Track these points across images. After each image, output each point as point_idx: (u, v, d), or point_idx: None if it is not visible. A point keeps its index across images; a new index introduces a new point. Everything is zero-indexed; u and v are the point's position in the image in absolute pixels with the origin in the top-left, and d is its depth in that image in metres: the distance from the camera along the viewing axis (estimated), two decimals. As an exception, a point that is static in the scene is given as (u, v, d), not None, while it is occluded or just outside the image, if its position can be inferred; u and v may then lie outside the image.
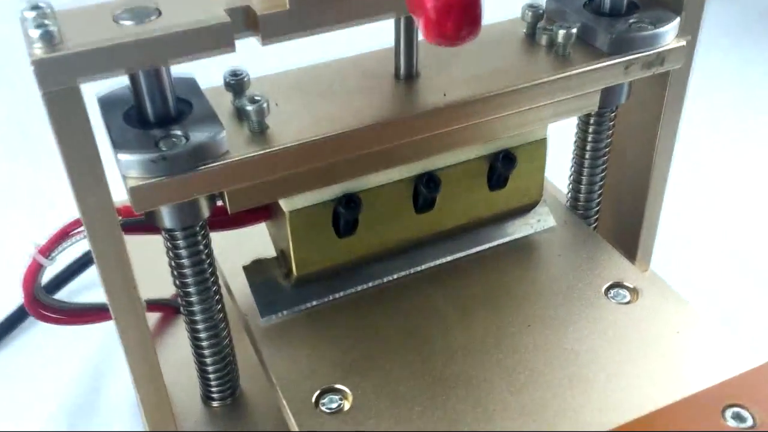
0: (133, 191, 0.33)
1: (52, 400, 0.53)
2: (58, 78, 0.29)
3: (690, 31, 0.42)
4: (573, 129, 0.49)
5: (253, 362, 0.42)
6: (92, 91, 0.34)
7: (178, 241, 0.38)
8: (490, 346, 0.40)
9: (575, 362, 0.39)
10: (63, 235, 0.40)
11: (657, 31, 0.41)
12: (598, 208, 0.50)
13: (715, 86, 0.85)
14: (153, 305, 0.51)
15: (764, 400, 0.36)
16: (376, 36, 0.43)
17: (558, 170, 0.53)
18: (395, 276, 0.44)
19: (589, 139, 0.47)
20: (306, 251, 0.42)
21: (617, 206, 0.51)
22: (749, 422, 0.35)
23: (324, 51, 0.44)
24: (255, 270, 0.44)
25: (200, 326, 0.41)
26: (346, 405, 0.37)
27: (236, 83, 0.38)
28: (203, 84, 0.38)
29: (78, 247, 0.42)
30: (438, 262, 0.45)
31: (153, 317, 0.52)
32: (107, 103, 0.36)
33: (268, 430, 0.43)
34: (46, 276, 0.45)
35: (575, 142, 0.48)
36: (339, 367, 0.39)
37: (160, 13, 0.32)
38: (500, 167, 0.44)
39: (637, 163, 0.49)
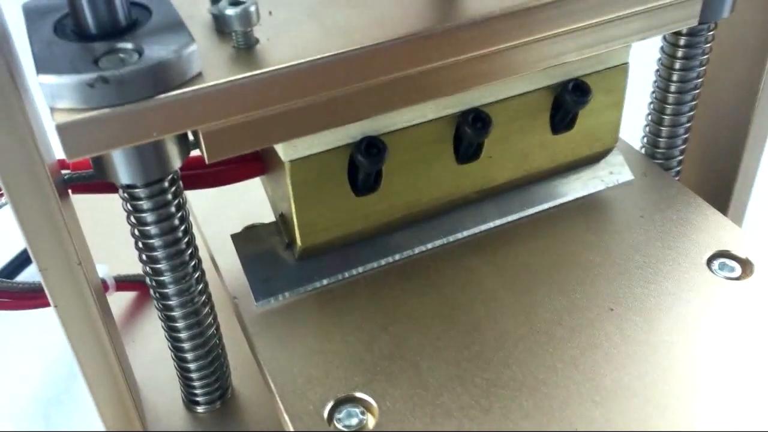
0: (61, 129, 0.28)
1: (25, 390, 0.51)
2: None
3: None
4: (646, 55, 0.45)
5: (248, 356, 0.38)
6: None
7: (141, 202, 0.33)
8: (560, 337, 0.35)
9: (680, 360, 0.34)
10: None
11: None
12: (681, 157, 0.46)
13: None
14: (124, 282, 0.48)
15: None
16: None
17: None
18: (429, 246, 0.41)
19: (677, 66, 0.42)
20: (313, 214, 0.38)
21: (705, 155, 0.49)
22: None
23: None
24: (247, 239, 0.41)
25: (176, 313, 0.37)
26: (371, 421, 0.33)
27: (214, -18, 0.33)
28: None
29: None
30: (484, 227, 0.42)
31: (125, 297, 0.49)
32: (35, 12, 0.32)
33: (267, 441, 0.40)
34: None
35: (657, 71, 0.44)
36: (359, 368, 0.35)
37: None
38: (569, 101, 0.39)
39: (735, 99, 0.46)
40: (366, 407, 0.33)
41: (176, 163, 0.32)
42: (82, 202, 0.37)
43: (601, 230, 0.41)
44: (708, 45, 0.42)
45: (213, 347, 0.39)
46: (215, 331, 0.39)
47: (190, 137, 0.33)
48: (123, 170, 0.31)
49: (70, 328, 0.34)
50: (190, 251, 0.35)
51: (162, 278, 0.35)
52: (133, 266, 0.45)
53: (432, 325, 0.36)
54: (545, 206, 0.43)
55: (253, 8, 0.30)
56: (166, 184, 0.33)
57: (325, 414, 0.33)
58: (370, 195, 0.39)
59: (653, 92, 0.44)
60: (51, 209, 0.30)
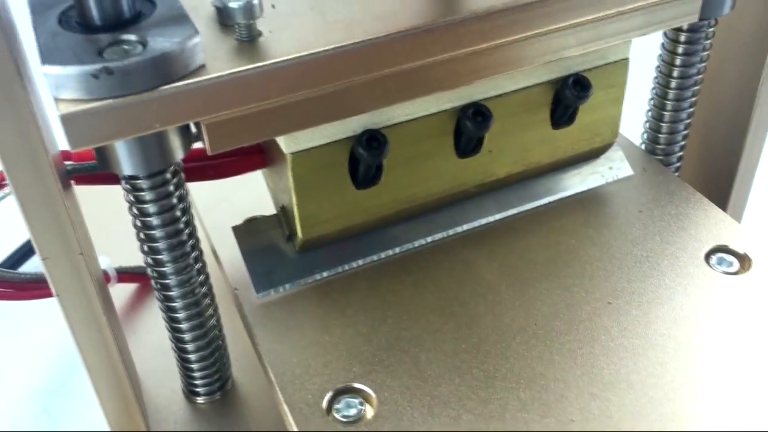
0: (66, 120, 0.28)
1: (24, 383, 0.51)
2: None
3: None
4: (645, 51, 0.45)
5: (248, 346, 0.38)
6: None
7: (143, 194, 0.33)
8: (558, 330, 0.35)
9: (677, 353, 0.34)
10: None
11: None
12: (681, 153, 0.45)
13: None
14: (126, 274, 0.48)
15: None
16: None
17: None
18: (429, 239, 0.41)
19: (678, 62, 0.42)
20: (314, 207, 0.38)
21: (705, 151, 0.48)
22: None
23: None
24: (248, 231, 0.41)
25: (177, 304, 0.37)
26: (369, 411, 0.33)
27: (217, -25, 0.33)
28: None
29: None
30: (484, 221, 0.42)
31: (126, 289, 0.49)
32: (40, 3, 0.31)
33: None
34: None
35: (657, 67, 0.43)
36: (358, 359, 0.35)
37: None
38: (569, 96, 0.39)
39: (735, 95, 0.45)
40: (364, 398, 0.33)
41: (179, 154, 0.32)
42: (85, 196, 0.37)
43: (601, 225, 0.40)
44: (708, 41, 0.41)
45: (213, 338, 0.39)
46: (216, 322, 0.39)
47: (193, 129, 0.32)
48: (125, 161, 0.31)
49: (71, 317, 0.33)
50: (191, 242, 0.35)
51: (163, 269, 0.35)
52: (135, 258, 0.45)
53: (431, 317, 0.36)
54: (545, 201, 0.42)
55: (256, 1, 0.30)
56: (168, 175, 0.33)
57: (324, 404, 0.33)
58: (370, 188, 0.38)
59: (653, 88, 0.44)
60: (54, 199, 0.30)
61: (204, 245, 0.37)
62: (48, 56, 0.27)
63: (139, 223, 0.34)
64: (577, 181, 0.43)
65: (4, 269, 0.40)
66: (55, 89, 0.27)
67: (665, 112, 0.44)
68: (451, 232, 0.41)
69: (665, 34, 0.42)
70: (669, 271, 0.37)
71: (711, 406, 0.31)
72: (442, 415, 0.32)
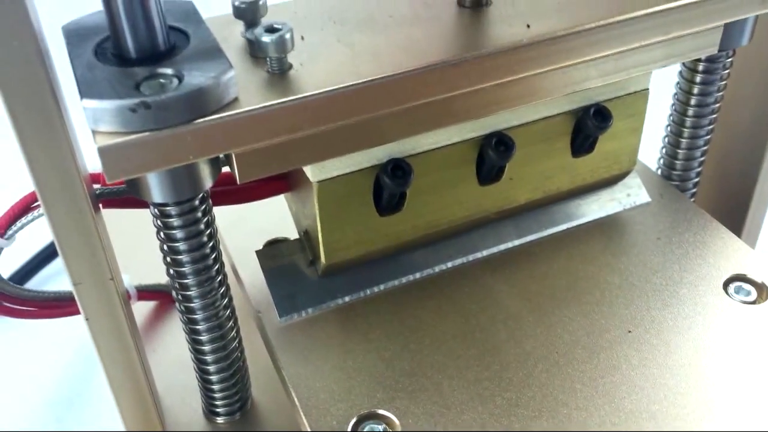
0: (103, 152, 0.28)
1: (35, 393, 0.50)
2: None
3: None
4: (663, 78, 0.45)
5: (269, 366, 0.38)
6: (58, 23, 0.31)
7: (171, 220, 0.33)
8: (579, 359, 0.35)
9: (697, 384, 0.34)
10: (22, 209, 0.36)
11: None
12: (697, 179, 0.45)
13: None
14: (146, 292, 0.47)
15: None
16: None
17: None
18: (449, 264, 0.41)
19: (695, 91, 0.42)
20: (338, 232, 0.38)
21: (720, 178, 0.48)
22: None
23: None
24: (271, 255, 0.40)
25: (201, 326, 0.36)
26: None
27: (248, 7, 0.33)
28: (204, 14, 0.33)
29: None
30: (504, 246, 0.42)
31: (146, 307, 0.49)
32: (75, 35, 0.31)
33: (287, 452, 0.39)
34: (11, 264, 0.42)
35: (675, 95, 0.43)
36: (381, 385, 0.35)
37: None
38: (590, 126, 0.39)
39: (751, 123, 0.45)
40: (388, 423, 0.33)
41: (208, 183, 0.32)
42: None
43: (619, 252, 0.40)
44: (726, 71, 0.41)
45: (235, 360, 0.38)
46: (238, 344, 0.38)
47: (221, 155, 0.32)
48: (156, 189, 0.31)
49: (99, 340, 0.33)
50: (216, 267, 0.35)
51: (189, 293, 0.35)
52: (150, 275, 0.45)
53: (452, 343, 0.36)
54: (563, 227, 0.42)
55: (288, 35, 0.30)
56: (197, 202, 0.33)
57: (349, 429, 0.32)
58: (393, 215, 0.38)
59: (671, 115, 0.44)
60: (87, 224, 0.30)
61: (227, 266, 0.37)
62: (87, 90, 0.27)
63: (166, 248, 0.34)
64: (595, 208, 0.43)
65: (29, 289, 0.40)
66: (93, 122, 0.27)
67: (682, 140, 0.43)
68: (471, 257, 0.41)
69: (684, 63, 0.42)
70: (688, 300, 0.37)
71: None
72: (466, 442, 0.32)
